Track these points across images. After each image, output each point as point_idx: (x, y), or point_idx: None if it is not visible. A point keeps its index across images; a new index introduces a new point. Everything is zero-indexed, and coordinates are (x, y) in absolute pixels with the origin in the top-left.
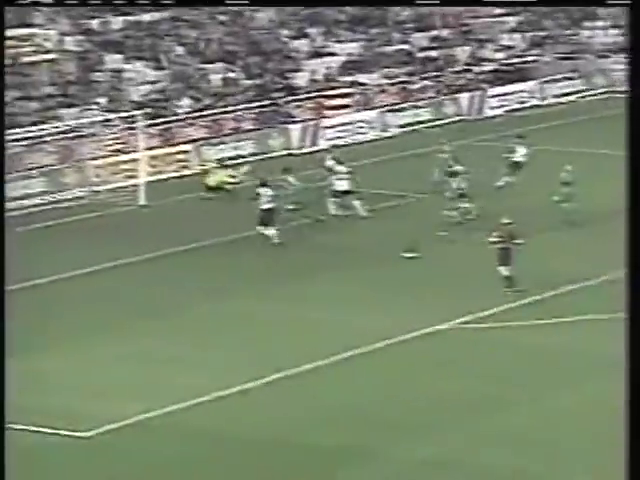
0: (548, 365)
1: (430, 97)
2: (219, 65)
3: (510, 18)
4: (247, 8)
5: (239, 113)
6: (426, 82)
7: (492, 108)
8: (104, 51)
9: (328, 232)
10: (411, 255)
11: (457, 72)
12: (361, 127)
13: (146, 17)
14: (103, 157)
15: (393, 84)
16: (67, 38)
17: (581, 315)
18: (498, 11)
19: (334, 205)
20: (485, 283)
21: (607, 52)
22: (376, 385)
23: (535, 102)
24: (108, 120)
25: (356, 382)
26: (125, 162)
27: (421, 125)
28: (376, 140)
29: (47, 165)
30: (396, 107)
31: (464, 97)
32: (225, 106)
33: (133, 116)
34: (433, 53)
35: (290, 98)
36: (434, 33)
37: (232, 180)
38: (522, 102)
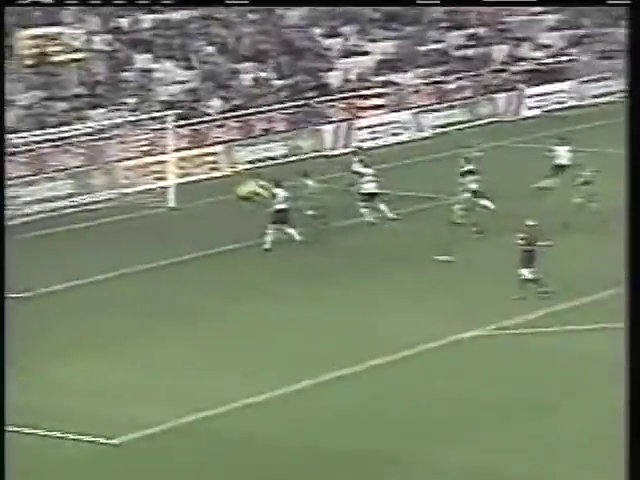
0: (581, 372)
1: (465, 97)
2: (250, 64)
3: (548, 16)
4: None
5: (270, 114)
6: (461, 82)
7: (529, 108)
8: (133, 50)
9: (356, 235)
10: (444, 258)
11: (493, 71)
12: (395, 128)
13: (176, 15)
14: (132, 158)
15: (428, 84)
16: (95, 37)
17: (613, 322)
18: (536, 9)
19: (362, 208)
20: (518, 287)
21: None
22: (405, 392)
23: (573, 102)
24: (137, 121)
25: (385, 388)
26: (154, 164)
27: (456, 126)
28: (410, 141)
29: (74, 167)
30: (431, 107)
31: (500, 97)
32: (256, 106)
33: (162, 117)
34: (469, 52)
35: (322, 98)
36: (470, 31)
37: (262, 191)
38: (560, 102)
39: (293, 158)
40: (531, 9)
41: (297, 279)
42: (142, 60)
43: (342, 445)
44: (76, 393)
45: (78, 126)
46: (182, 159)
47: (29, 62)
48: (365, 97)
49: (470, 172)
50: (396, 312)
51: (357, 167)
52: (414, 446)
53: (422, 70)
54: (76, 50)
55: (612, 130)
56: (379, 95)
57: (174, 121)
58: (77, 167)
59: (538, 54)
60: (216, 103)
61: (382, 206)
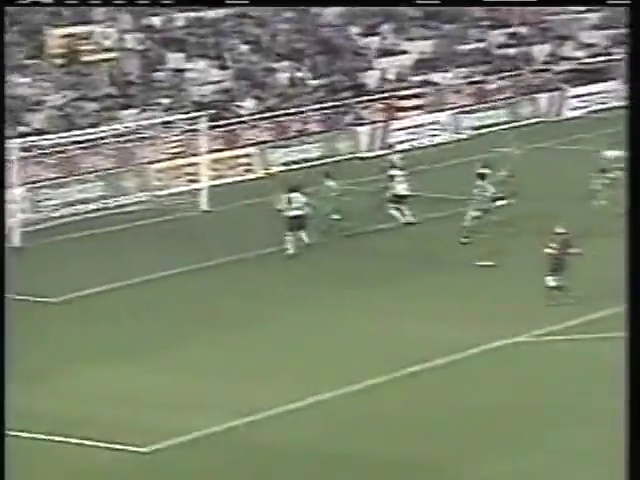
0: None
1: (506, 98)
2: (285, 64)
3: (591, 15)
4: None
5: (305, 114)
6: (502, 82)
7: (572, 109)
8: (165, 49)
9: (385, 238)
10: (486, 263)
11: (535, 71)
12: (433, 129)
13: (209, 13)
14: (164, 160)
15: (467, 84)
16: (127, 36)
17: None
18: (579, 7)
19: (391, 210)
20: (548, 295)
21: None
22: (447, 399)
23: (617, 103)
24: (169, 122)
25: (426, 396)
26: (186, 165)
27: (496, 127)
28: (449, 143)
29: (105, 169)
30: (470, 108)
31: (542, 98)
32: (291, 107)
33: (195, 117)
34: (510, 51)
35: (359, 99)
36: (511, 30)
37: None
38: (604, 103)
39: (328, 160)
40: (574, 7)
41: (329, 284)
42: (175, 59)
43: (381, 454)
44: (107, 399)
45: (109, 127)
46: (215, 161)
47: (60, 62)
48: (403, 97)
49: (483, 175)
50: (430, 318)
51: (390, 170)
52: (458, 455)
53: (462, 70)
54: (107, 49)
55: None
56: (417, 95)
57: (207, 122)
58: (108, 169)
59: (581, 53)
60: (250, 103)
61: (405, 210)
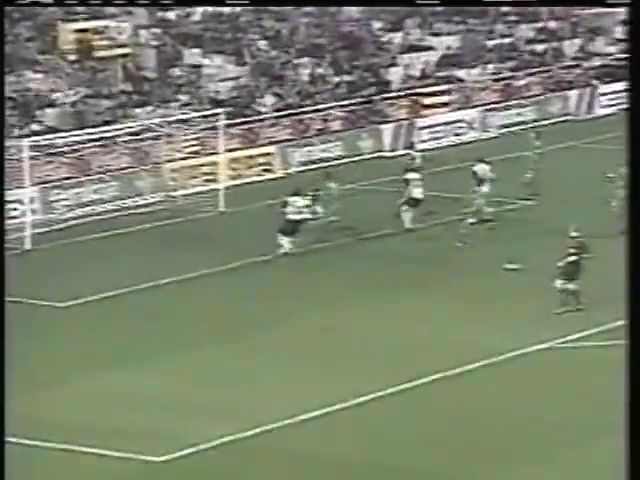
0: None
1: (535, 95)
2: (305, 60)
3: (623, 9)
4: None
5: (327, 112)
6: (531, 78)
7: (603, 107)
8: (182, 45)
9: (408, 243)
10: (513, 267)
11: (565, 67)
12: (459, 128)
13: (227, 8)
14: (180, 159)
15: (495, 81)
16: (142, 31)
17: None
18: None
19: (403, 213)
20: (591, 296)
21: None
22: (478, 406)
23: None
24: (185, 119)
25: (456, 403)
26: (204, 165)
27: (524, 125)
28: (476, 141)
29: (120, 168)
30: (498, 106)
31: (572, 95)
32: (312, 104)
33: (212, 115)
34: (539, 47)
35: (382, 96)
36: (540, 25)
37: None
38: None
39: (351, 159)
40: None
41: (347, 286)
42: (191, 55)
43: (409, 462)
44: (121, 406)
45: (123, 125)
46: (233, 160)
47: (73, 57)
48: (428, 95)
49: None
50: (459, 322)
51: (406, 173)
52: (490, 466)
53: (489, 66)
54: (122, 44)
55: None
56: (442, 92)
57: (224, 120)
58: (122, 168)
59: (613, 49)
60: (269, 100)
61: (407, 214)
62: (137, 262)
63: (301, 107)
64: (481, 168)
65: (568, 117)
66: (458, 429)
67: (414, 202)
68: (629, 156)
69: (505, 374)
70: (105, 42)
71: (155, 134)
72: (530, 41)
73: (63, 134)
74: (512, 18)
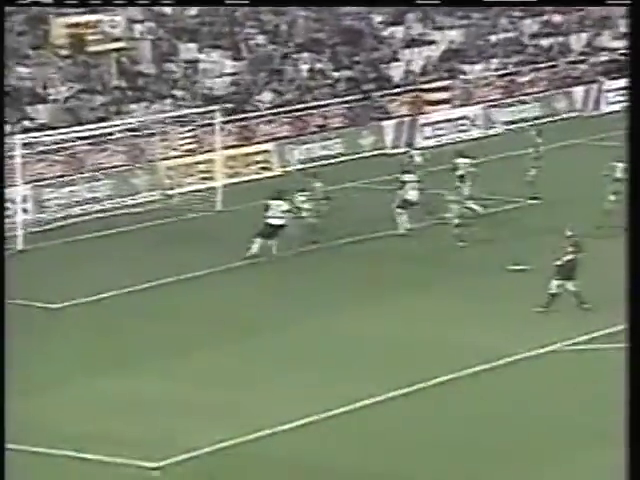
0: None
1: (540, 91)
2: (304, 55)
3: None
4: None
5: (326, 108)
6: (536, 74)
7: (610, 103)
8: (177, 39)
9: (407, 243)
10: (517, 267)
11: (571, 63)
12: (462, 124)
13: None
14: (176, 157)
15: (499, 76)
16: (136, 25)
17: None
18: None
19: (397, 215)
20: (600, 298)
21: None
22: (484, 410)
23: None
24: (181, 116)
25: (461, 407)
26: (200, 163)
27: (529, 122)
28: (479, 139)
29: (114, 166)
30: (502, 102)
31: (579, 91)
32: (311, 100)
33: (209, 112)
34: (544, 41)
35: (383, 92)
36: (545, 18)
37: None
38: None
39: (351, 157)
40: None
41: (364, 290)
42: (187, 50)
43: (411, 471)
44: (117, 410)
45: (118, 122)
46: (230, 158)
47: (65, 52)
48: (430, 91)
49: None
50: (469, 324)
51: (402, 173)
52: (487, 471)
53: (492, 61)
54: (116, 39)
55: None
56: (445, 88)
57: (221, 116)
58: (117, 166)
59: (620, 43)
60: (267, 97)
61: (404, 217)
62: (132, 262)
63: (300, 103)
64: (462, 162)
65: (574, 114)
66: (461, 434)
67: (408, 204)
68: (629, 155)
69: (509, 377)
70: (98, 36)
71: (150, 131)
72: (535, 35)
73: (55, 131)
74: (516, 12)
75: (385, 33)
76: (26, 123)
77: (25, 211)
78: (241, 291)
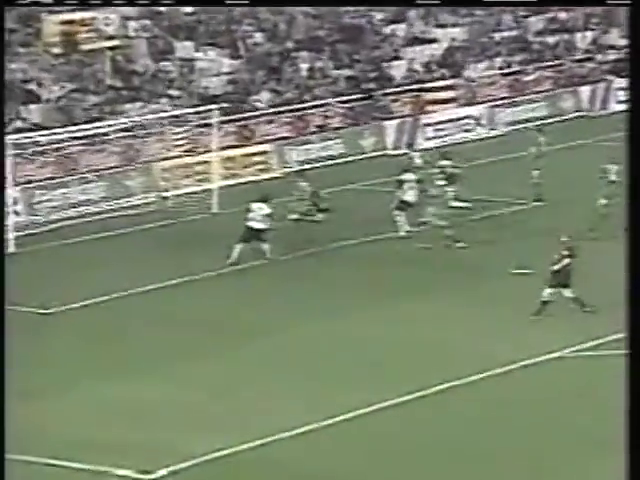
0: None
1: (546, 90)
2: (304, 53)
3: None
4: None
5: (326, 108)
6: (541, 73)
7: (618, 102)
8: (173, 37)
9: (407, 245)
10: (521, 271)
11: (577, 61)
12: (466, 125)
13: None
14: (172, 158)
15: (503, 75)
16: (131, 22)
17: None
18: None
19: (396, 217)
20: (606, 301)
21: None
22: (486, 417)
23: None
24: (177, 116)
25: (463, 413)
26: (197, 164)
27: (534, 122)
28: (482, 139)
29: (108, 167)
30: (506, 102)
31: (585, 90)
32: (310, 100)
33: (206, 111)
34: (550, 39)
35: (385, 91)
36: (551, 16)
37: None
38: None
39: (352, 158)
40: None
41: (366, 294)
42: (183, 48)
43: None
44: (113, 418)
45: (112, 122)
46: (227, 159)
47: (57, 50)
48: (432, 90)
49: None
50: (473, 330)
51: (402, 174)
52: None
53: (497, 59)
54: (110, 37)
55: None
56: (448, 88)
57: (218, 116)
58: (111, 168)
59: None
60: (265, 96)
61: (403, 219)
62: (127, 266)
63: (299, 103)
64: (446, 164)
65: (581, 113)
66: (463, 441)
67: (406, 205)
68: (629, 155)
69: (511, 383)
70: (92, 34)
71: (145, 131)
72: (540, 33)
73: (48, 131)
74: (521, 9)
75: (386, 31)
76: (18, 123)
77: (16, 213)
78: (239, 295)
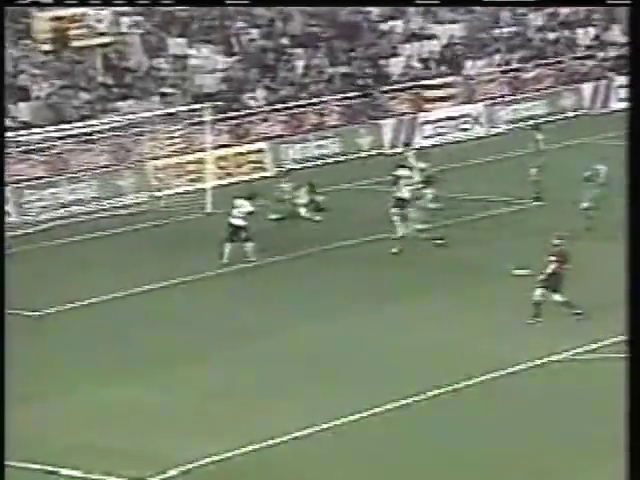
0: None
1: (546, 87)
2: (299, 50)
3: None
4: None
5: (323, 106)
6: (542, 70)
7: (620, 100)
8: (166, 34)
9: (405, 246)
10: (521, 272)
11: (579, 58)
12: (464, 123)
13: None
14: (165, 157)
15: (503, 72)
16: (123, 18)
17: None
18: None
19: (394, 216)
20: (605, 303)
21: None
22: (486, 420)
23: None
24: (170, 114)
25: (464, 417)
26: (190, 163)
27: (534, 120)
28: (481, 138)
29: (100, 166)
30: (506, 99)
31: (587, 87)
32: (306, 98)
33: (199, 109)
34: (550, 35)
35: (382, 88)
36: (551, 12)
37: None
38: None
39: (349, 157)
40: None
41: (361, 296)
42: (176, 45)
43: None
44: (106, 423)
45: (104, 120)
46: (221, 158)
47: (48, 47)
48: (431, 87)
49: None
50: (469, 331)
51: (398, 170)
52: None
53: (496, 56)
54: (101, 33)
55: None
56: (446, 85)
57: (212, 114)
58: (102, 167)
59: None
60: (260, 94)
61: (401, 218)
62: (119, 267)
63: (295, 101)
64: (427, 166)
65: (582, 111)
66: (463, 444)
67: (403, 202)
68: (629, 155)
69: (515, 386)
70: (83, 31)
71: (137, 130)
72: (540, 29)
73: (38, 130)
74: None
75: (384, 27)
76: (7, 121)
77: (6, 213)
78: (235, 296)
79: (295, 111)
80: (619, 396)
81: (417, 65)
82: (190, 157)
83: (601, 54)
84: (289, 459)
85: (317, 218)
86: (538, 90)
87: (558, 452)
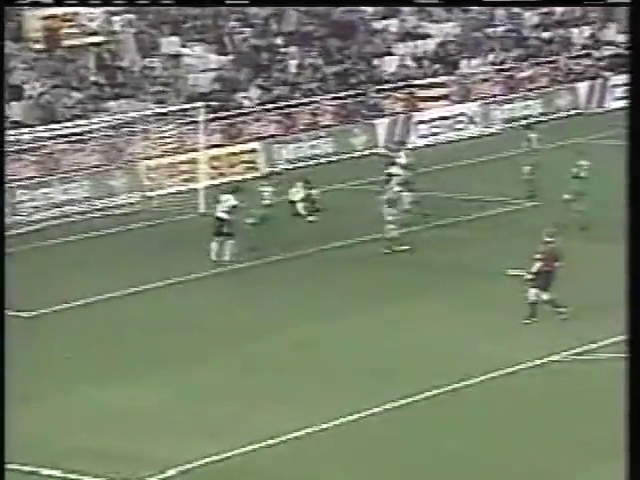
0: None
1: (541, 87)
2: (293, 49)
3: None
4: None
5: (316, 105)
6: (537, 69)
7: (615, 99)
8: (159, 32)
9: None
10: (516, 272)
11: (574, 57)
12: (459, 122)
13: None
14: (157, 157)
15: (498, 71)
16: (115, 17)
17: None
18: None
19: (388, 216)
20: (605, 304)
21: None
22: (490, 421)
23: None
24: (163, 114)
25: (466, 417)
26: (183, 163)
27: (530, 120)
28: (476, 137)
29: (92, 166)
30: (501, 99)
31: (582, 87)
32: (300, 97)
33: (192, 109)
34: (545, 34)
35: (376, 88)
36: (546, 10)
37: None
38: None
39: (342, 157)
40: None
41: (355, 296)
42: (169, 44)
43: None
44: (103, 424)
45: (96, 119)
46: (214, 157)
47: (39, 46)
48: (425, 87)
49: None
50: (465, 331)
51: (390, 168)
52: None
53: (491, 55)
54: (93, 32)
55: None
56: (441, 84)
57: (205, 114)
58: (94, 167)
59: (625, 37)
60: (254, 93)
61: (394, 218)
62: (111, 267)
63: (288, 100)
64: (396, 170)
65: (577, 111)
66: (462, 445)
67: (394, 202)
68: (629, 154)
69: (513, 386)
70: (75, 29)
71: (130, 129)
72: (535, 28)
73: (29, 129)
74: (515, 3)
75: (378, 26)
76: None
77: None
78: (230, 296)
79: (288, 111)
80: (619, 396)
81: (411, 64)
82: (183, 157)
83: (596, 53)
84: (288, 459)
85: (310, 219)
86: (533, 89)
87: (557, 452)
